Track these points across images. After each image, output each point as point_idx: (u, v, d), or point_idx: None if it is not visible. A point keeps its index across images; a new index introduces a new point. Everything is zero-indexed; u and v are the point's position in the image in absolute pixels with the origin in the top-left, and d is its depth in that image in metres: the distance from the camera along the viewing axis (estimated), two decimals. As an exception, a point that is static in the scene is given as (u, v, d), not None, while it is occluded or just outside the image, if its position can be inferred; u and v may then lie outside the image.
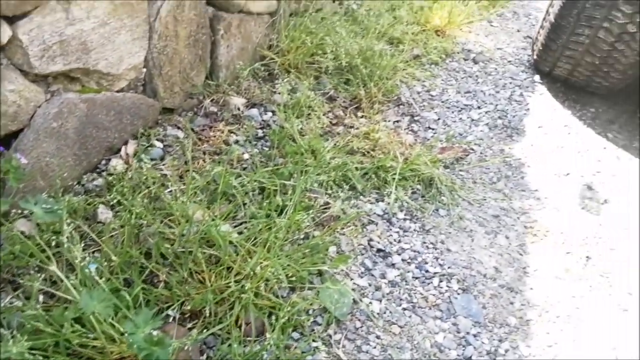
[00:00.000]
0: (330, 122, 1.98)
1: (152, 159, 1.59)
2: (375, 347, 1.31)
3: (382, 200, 1.73)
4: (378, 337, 1.34)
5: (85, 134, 1.44)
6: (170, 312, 1.23)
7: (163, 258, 1.30)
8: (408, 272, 1.52)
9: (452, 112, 2.28)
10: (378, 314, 1.39)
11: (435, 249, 1.62)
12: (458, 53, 2.74)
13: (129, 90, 1.58)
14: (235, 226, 1.45)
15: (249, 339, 1.22)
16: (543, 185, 1.96)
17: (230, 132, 1.80)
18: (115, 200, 1.39)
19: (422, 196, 1.79)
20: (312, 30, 2.16)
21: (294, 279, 1.32)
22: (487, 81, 2.56)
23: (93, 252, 1.29)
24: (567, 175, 2.04)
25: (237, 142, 1.77)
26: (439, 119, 2.21)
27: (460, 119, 2.25)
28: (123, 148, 1.58)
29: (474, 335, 1.40)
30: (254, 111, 1.91)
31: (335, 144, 1.82)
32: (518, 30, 3.12)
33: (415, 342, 1.35)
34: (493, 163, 2.02)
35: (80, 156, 1.44)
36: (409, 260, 1.56)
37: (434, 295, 1.48)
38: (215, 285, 1.25)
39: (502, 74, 2.63)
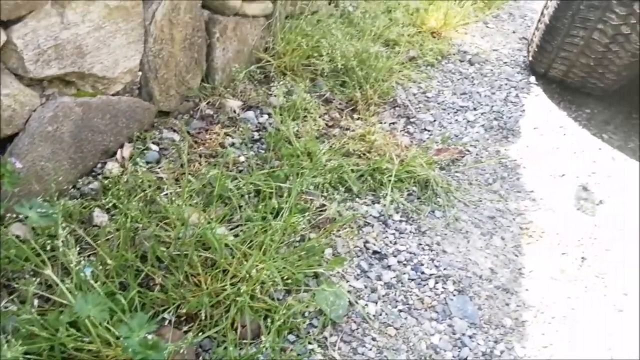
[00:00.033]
0: (326, 125, 1.98)
1: (147, 162, 1.59)
2: (371, 349, 1.32)
3: (378, 202, 1.73)
4: (374, 339, 1.34)
5: (80, 138, 1.44)
6: (166, 315, 1.23)
7: (159, 261, 1.30)
8: (404, 273, 1.53)
9: (448, 114, 2.28)
10: (374, 316, 1.39)
11: (431, 251, 1.62)
12: (454, 55, 2.74)
13: (125, 94, 1.59)
14: (231, 229, 1.45)
15: (244, 341, 1.22)
16: (539, 186, 1.97)
17: (226, 134, 1.80)
18: (110, 204, 1.39)
19: (418, 198, 1.79)
20: (308, 32, 2.17)
21: (289, 281, 1.32)
22: (483, 82, 2.56)
23: (88, 256, 1.29)
24: (563, 176, 2.05)
25: (233, 144, 1.77)
26: (434, 120, 2.22)
27: (456, 120, 2.26)
28: (119, 151, 1.59)
29: (470, 337, 1.40)
30: (250, 114, 1.91)
31: (331, 146, 1.82)
32: (514, 32, 3.13)
33: (411, 344, 1.35)
34: (489, 164, 2.03)
35: (75, 160, 1.45)
36: (405, 262, 1.56)
37: (429, 296, 1.48)
38: (211, 288, 1.25)
39: (497, 76, 2.64)
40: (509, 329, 1.45)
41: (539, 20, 2.49)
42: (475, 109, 2.35)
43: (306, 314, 1.34)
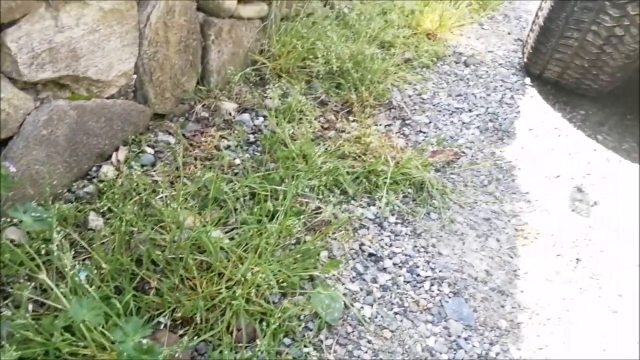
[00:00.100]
0: (322, 127, 1.98)
1: (143, 165, 1.59)
2: (366, 352, 1.32)
3: (374, 205, 1.73)
4: (369, 341, 1.34)
5: (75, 141, 1.43)
6: (161, 319, 1.23)
7: (154, 265, 1.30)
8: (399, 276, 1.53)
9: (443, 116, 2.29)
10: (369, 318, 1.40)
11: (427, 253, 1.63)
12: (449, 56, 2.75)
13: (120, 97, 1.58)
14: (227, 232, 1.45)
15: (240, 345, 1.22)
16: (533, 188, 1.98)
17: (222, 137, 1.80)
18: (106, 207, 1.39)
19: (414, 200, 1.80)
20: (304, 34, 2.17)
21: (285, 284, 1.32)
22: (478, 84, 2.57)
23: (83, 260, 1.29)
24: (558, 177, 2.05)
25: (228, 147, 1.77)
26: (430, 122, 2.22)
27: (452, 122, 2.26)
28: (114, 154, 1.58)
29: (465, 339, 1.40)
30: (246, 116, 1.91)
31: (326, 149, 1.83)
32: (509, 33, 3.14)
33: (406, 347, 1.35)
34: (484, 166, 2.04)
35: (70, 163, 1.44)
36: (401, 264, 1.57)
37: (425, 299, 1.49)
38: (206, 292, 1.25)
39: (493, 77, 2.65)
40: (504, 331, 1.45)
41: (534, 22, 2.51)
42: (470, 110, 2.36)
43: (302, 317, 1.34)
